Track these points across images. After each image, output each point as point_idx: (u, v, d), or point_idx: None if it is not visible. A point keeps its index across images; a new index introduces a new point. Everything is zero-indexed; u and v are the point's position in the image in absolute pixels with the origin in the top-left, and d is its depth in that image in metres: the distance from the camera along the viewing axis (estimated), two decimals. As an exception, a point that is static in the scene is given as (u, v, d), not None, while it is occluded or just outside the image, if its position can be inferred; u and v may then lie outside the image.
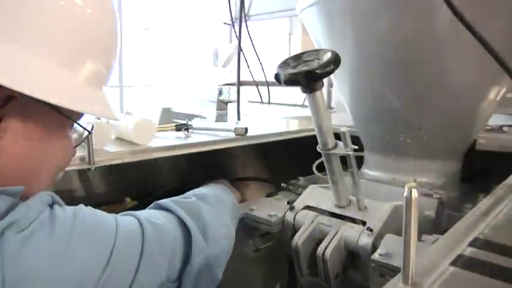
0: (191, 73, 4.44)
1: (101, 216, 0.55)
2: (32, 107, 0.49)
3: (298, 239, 0.82)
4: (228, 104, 3.56)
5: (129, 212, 0.65)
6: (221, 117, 3.70)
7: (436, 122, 0.95)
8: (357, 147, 0.76)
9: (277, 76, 0.70)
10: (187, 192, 0.81)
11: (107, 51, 0.58)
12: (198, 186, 1.17)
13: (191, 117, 4.30)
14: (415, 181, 0.99)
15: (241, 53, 1.99)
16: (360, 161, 1.14)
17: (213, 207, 0.77)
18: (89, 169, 0.79)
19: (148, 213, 0.66)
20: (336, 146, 0.77)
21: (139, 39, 5.21)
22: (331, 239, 0.78)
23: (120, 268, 0.52)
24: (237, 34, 1.98)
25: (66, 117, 0.54)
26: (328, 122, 0.76)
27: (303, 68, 0.68)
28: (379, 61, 0.94)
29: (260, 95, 2.52)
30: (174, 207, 0.69)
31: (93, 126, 0.69)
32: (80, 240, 0.49)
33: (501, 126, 1.32)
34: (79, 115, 0.58)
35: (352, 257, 0.80)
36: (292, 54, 0.74)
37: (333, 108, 2.25)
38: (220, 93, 3.85)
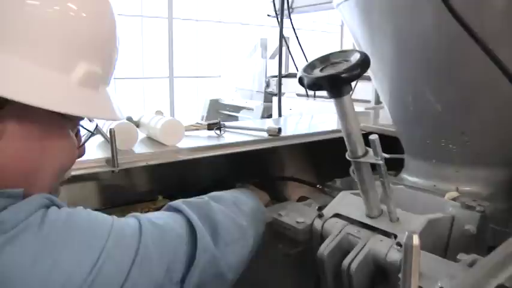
0: (239, 65, 4.44)
1: (95, 219, 0.54)
2: (29, 108, 0.48)
3: (325, 249, 0.78)
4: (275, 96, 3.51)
5: (134, 214, 0.63)
6: (268, 110, 3.68)
7: (483, 126, 0.87)
8: (387, 155, 0.70)
9: (300, 80, 0.66)
10: (207, 194, 0.79)
11: (101, 51, 0.56)
12: (231, 184, 1.16)
13: (238, 109, 4.32)
14: (457, 190, 0.92)
15: (284, 45, 1.94)
16: (400, 165, 1.07)
17: (228, 207, 0.75)
18: (113, 171, 0.79)
19: (153, 215, 0.65)
20: (366, 153, 0.72)
21: (190, 31, 5.27)
22: (358, 252, 0.74)
23: (108, 271, 0.50)
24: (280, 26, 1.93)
25: (64, 118, 0.53)
26: (357, 128, 0.71)
27: (328, 71, 0.64)
28: (421, 60, 0.87)
29: (306, 90, 2.46)
30: (182, 207, 0.68)
31: (96, 126, 0.68)
32: (67, 242, 0.48)
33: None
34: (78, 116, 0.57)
35: (381, 272, 0.75)
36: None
37: (381, 103, 2.16)
38: (267, 85, 3.83)
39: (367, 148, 0.72)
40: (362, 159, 0.72)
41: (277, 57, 3.70)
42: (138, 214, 0.63)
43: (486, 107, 0.84)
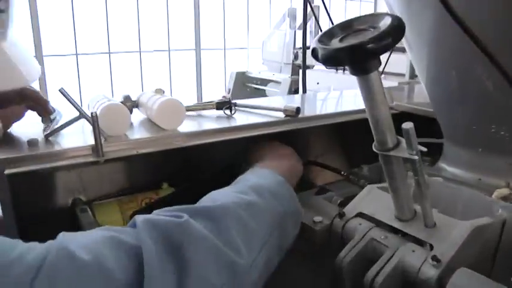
0: (267, 36, 4.26)
1: None
2: None
3: (345, 256, 0.65)
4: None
5: (62, 234, 0.47)
6: (295, 83, 3.52)
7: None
8: (425, 149, 0.56)
9: (314, 53, 0.52)
10: (208, 196, 0.63)
11: None
12: (245, 169, 1.04)
13: (265, 82, 4.16)
14: (508, 186, 0.77)
15: (313, 15, 1.78)
16: (437, 151, 0.92)
17: (231, 223, 0.54)
18: (97, 162, 0.68)
19: (91, 237, 0.46)
20: (397, 144, 0.58)
21: (216, 2, 5.09)
22: (385, 264, 0.61)
23: None
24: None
25: None
26: (387, 114, 0.56)
27: (350, 41, 0.50)
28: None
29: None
30: (141, 235, 0.46)
31: (79, 109, 0.55)
32: None
33: None
34: None
35: (412, 288, 0.62)
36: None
37: (417, 77, 1.97)
38: (296, 57, 3.65)
39: (399, 138, 0.58)
40: (392, 153, 0.58)
41: (309, 27, 3.52)
42: (61, 237, 0.46)
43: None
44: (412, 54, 0.89)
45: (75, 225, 0.89)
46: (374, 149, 0.59)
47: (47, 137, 0.74)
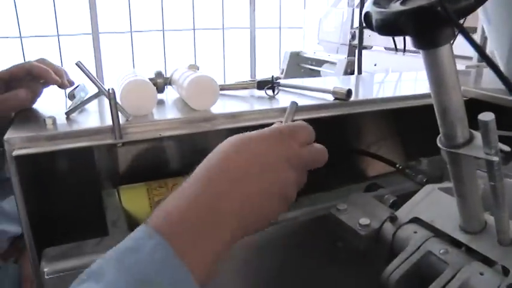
0: (323, 15, 4.07)
1: None
2: None
3: (393, 271, 0.54)
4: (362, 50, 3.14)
5: None
6: (351, 65, 3.34)
7: None
8: (508, 148, 0.43)
9: (366, 18, 0.40)
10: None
11: None
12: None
13: (320, 63, 3.99)
14: None
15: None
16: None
17: None
18: (116, 145, 0.60)
19: None
20: (470, 140, 0.46)
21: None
22: (444, 286, 0.49)
23: None
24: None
25: None
26: (459, 100, 0.44)
27: (415, 2, 0.38)
28: None
29: (394, 41, 2.10)
30: None
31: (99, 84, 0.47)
32: None
33: None
34: None
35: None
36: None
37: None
38: (353, 37, 3.46)
39: (472, 131, 0.46)
40: (463, 150, 0.46)
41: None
42: None
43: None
44: (491, 27, 0.74)
45: (101, 211, 0.84)
46: (439, 145, 0.48)
47: (67, 114, 0.68)
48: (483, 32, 1.64)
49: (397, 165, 0.91)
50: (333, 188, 0.83)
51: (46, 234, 0.68)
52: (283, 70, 4.11)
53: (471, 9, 0.35)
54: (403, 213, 0.61)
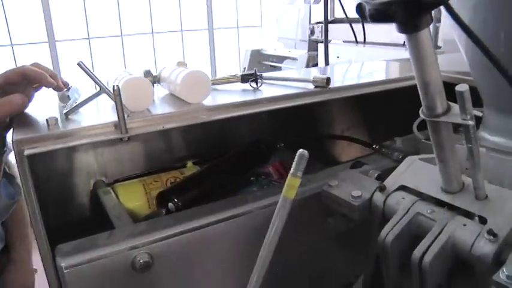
0: (281, 12, 4.16)
1: None
2: None
3: (388, 233, 0.61)
4: (320, 44, 3.24)
5: None
6: (313, 59, 3.43)
7: None
8: (480, 113, 0.51)
9: (359, 9, 0.47)
10: None
11: None
12: (273, 144, 0.99)
13: (281, 59, 4.08)
14: (560, 153, 0.71)
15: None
16: (476, 122, 0.87)
17: None
18: (121, 139, 0.64)
19: None
20: (448, 110, 0.53)
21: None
22: (434, 240, 0.56)
23: None
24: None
25: None
26: (438, 76, 0.51)
27: (400, -6, 0.44)
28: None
29: (354, 34, 2.21)
30: None
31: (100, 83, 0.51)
32: None
33: None
34: None
35: (462, 265, 0.57)
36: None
37: (440, 48, 1.89)
38: (312, 32, 3.55)
39: (450, 103, 0.53)
40: (443, 118, 0.53)
41: (322, 1, 3.41)
42: None
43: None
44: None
45: (98, 208, 0.86)
46: (421, 115, 0.55)
47: (66, 115, 0.71)
48: (434, 21, 1.76)
49: (374, 146, 0.98)
50: (318, 170, 0.89)
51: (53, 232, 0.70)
52: (244, 68, 4.16)
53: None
54: (390, 183, 0.68)
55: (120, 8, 4.27)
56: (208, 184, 0.85)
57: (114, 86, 0.60)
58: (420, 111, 0.55)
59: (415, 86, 0.54)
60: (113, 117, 0.66)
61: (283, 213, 0.56)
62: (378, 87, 0.94)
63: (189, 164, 0.97)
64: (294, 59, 3.62)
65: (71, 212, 0.94)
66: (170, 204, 0.76)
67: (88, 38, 4.14)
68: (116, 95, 0.60)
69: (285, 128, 1.04)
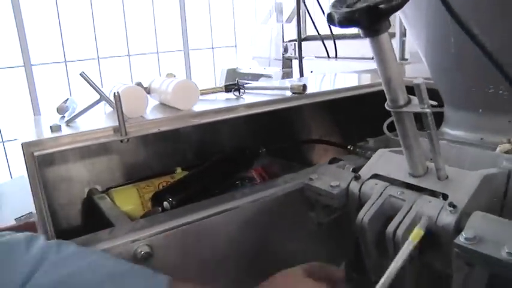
0: (254, 32, 4.29)
1: None
2: None
3: (364, 214, 0.69)
4: (294, 60, 3.36)
5: None
6: (287, 75, 3.55)
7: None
8: (435, 102, 0.60)
9: (329, 17, 0.55)
10: None
11: None
12: (255, 151, 1.06)
13: (257, 77, 4.19)
14: (509, 142, 0.81)
15: (302, 5, 1.83)
16: (439, 119, 0.96)
17: None
18: (121, 141, 0.71)
19: None
20: (409, 102, 0.62)
21: (201, 2, 5.11)
22: (404, 216, 0.65)
23: None
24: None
25: None
26: (398, 72, 0.60)
27: (363, 3, 0.53)
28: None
29: (326, 50, 2.33)
30: None
31: (100, 91, 0.59)
32: None
33: None
34: None
35: (431, 237, 0.66)
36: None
37: (407, 59, 2.02)
38: (285, 50, 3.68)
39: (410, 96, 0.62)
40: (405, 109, 0.61)
41: (295, 19, 3.55)
42: None
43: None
44: (411, 28, 0.93)
45: (93, 214, 0.92)
46: (387, 108, 0.63)
47: (68, 123, 0.77)
48: (400, 36, 1.89)
49: (349, 147, 1.07)
50: (299, 170, 0.97)
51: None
52: (221, 87, 4.24)
53: (399, 6, 0.51)
54: (364, 172, 0.76)
55: (96, 31, 4.33)
56: (198, 185, 0.92)
57: (115, 93, 0.67)
58: (385, 105, 0.63)
59: (383, 91, 0.62)
60: (109, 124, 0.73)
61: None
62: (350, 93, 1.03)
63: (178, 169, 1.03)
64: (269, 76, 3.73)
65: (66, 219, 0.98)
66: (165, 203, 0.82)
67: (65, 62, 4.16)
68: (117, 101, 0.67)
69: (266, 134, 1.12)
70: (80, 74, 0.70)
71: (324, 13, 2.17)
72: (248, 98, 0.97)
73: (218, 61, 5.18)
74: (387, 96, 0.62)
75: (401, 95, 0.61)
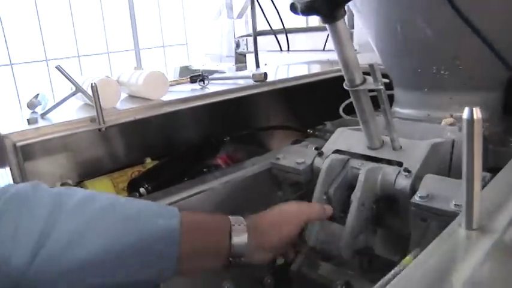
0: (205, 29, 4.32)
1: None
2: None
3: (330, 186, 0.76)
4: (247, 55, 3.43)
5: None
6: (240, 70, 3.61)
7: (475, 49, 0.85)
8: (387, 80, 0.68)
9: (292, 6, 0.62)
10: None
11: None
12: (220, 140, 1.11)
13: (210, 73, 4.22)
14: (451, 116, 0.91)
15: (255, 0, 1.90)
16: (390, 100, 1.06)
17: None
18: (100, 129, 0.74)
19: None
20: (364, 81, 0.69)
21: (149, 1, 5.07)
22: (365, 184, 0.72)
23: None
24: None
25: None
26: (354, 55, 0.67)
27: (321, -7, 0.60)
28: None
29: (279, 43, 2.41)
30: None
31: (75, 83, 0.62)
32: None
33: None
34: None
35: (390, 202, 0.74)
36: None
37: (356, 50, 2.13)
38: (237, 45, 3.73)
39: (365, 76, 0.70)
40: (361, 87, 0.69)
41: (245, 15, 3.61)
42: None
43: (478, 29, 0.82)
44: (362, 19, 1.01)
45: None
46: (345, 87, 0.70)
47: (42, 116, 0.79)
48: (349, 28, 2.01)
49: (308, 131, 1.14)
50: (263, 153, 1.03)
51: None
52: (175, 85, 4.24)
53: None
54: (327, 149, 0.83)
55: (43, 33, 4.21)
56: (171, 172, 0.96)
57: (92, 83, 0.70)
58: (344, 85, 0.70)
59: (337, 78, 0.70)
60: (80, 116, 0.76)
61: None
62: (308, 79, 1.11)
63: (148, 159, 1.06)
64: (223, 72, 3.78)
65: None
66: (142, 189, 0.86)
67: (10, 64, 4.03)
68: (94, 91, 0.70)
69: (230, 123, 1.17)
70: (56, 67, 0.73)
71: (276, 9, 2.25)
72: (213, 87, 1.02)
73: (170, 59, 5.17)
74: (345, 77, 0.69)
75: (358, 75, 0.68)
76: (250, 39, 3.17)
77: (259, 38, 2.78)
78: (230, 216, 0.66)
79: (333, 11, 0.62)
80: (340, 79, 0.71)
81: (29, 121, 0.74)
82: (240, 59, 3.71)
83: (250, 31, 3.13)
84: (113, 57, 4.79)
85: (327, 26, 0.65)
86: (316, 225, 0.76)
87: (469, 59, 0.87)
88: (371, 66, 0.65)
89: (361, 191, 0.70)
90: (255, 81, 1.03)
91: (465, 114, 0.34)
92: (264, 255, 0.68)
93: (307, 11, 0.61)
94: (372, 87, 0.67)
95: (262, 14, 2.26)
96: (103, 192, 0.62)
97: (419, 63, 0.91)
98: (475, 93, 0.91)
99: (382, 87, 0.66)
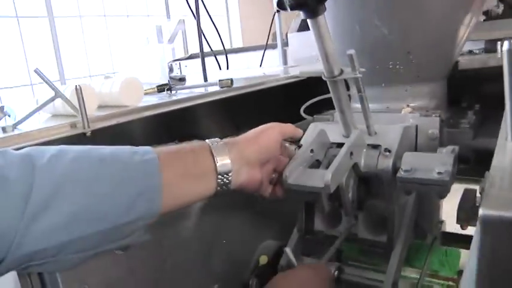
0: (135, 56, 4.29)
1: None
2: None
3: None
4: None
5: None
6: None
7: (423, 43, 0.95)
8: (364, 69, 0.74)
9: (280, 2, 0.66)
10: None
11: None
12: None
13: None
14: (408, 106, 1.00)
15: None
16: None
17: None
18: (84, 134, 0.73)
19: None
20: (342, 72, 0.75)
21: (75, 29, 4.95)
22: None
23: None
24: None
25: None
26: (333, 48, 0.73)
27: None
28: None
29: (218, 63, 2.47)
30: None
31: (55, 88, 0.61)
32: None
33: (470, 51, 1.37)
34: None
35: (369, 185, 0.79)
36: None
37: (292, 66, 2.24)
38: (171, 70, 3.74)
39: (343, 68, 0.75)
40: (340, 77, 0.74)
41: (176, 40, 3.63)
42: None
43: (427, 26, 0.92)
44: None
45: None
46: (323, 78, 0.76)
47: (15, 126, 0.76)
48: (282, 46, 2.16)
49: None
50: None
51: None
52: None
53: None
54: (306, 142, 0.88)
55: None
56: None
57: (76, 86, 0.69)
58: (322, 76, 0.76)
59: (298, 83, 0.74)
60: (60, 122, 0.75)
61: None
62: (271, 84, 1.16)
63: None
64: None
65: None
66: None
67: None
68: (79, 94, 0.69)
69: (199, 127, 1.19)
70: (34, 71, 0.71)
71: (216, 28, 2.32)
72: (182, 95, 1.03)
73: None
74: (324, 68, 0.75)
75: (336, 66, 0.74)
76: (184, 63, 3.24)
77: (194, 61, 2.84)
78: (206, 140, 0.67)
79: (315, 6, 0.67)
80: (299, 85, 0.76)
81: (4, 129, 0.71)
82: (175, 83, 3.73)
83: (177, 56, 3.23)
84: (36, 89, 4.57)
85: (308, 20, 0.70)
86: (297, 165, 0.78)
87: (419, 52, 0.96)
88: (349, 55, 0.71)
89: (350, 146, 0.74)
90: (221, 87, 1.06)
91: (505, 46, 0.40)
92: (250, 174, 0.70)
93: (295, 6, 0.65)
94: (351, 76, 0.73)
95: (203, 36, 2.31)
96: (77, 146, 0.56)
97: (377, 60, 1.00)
98: (426, 84, 1.01)
99: (360, 75, 0.72)
